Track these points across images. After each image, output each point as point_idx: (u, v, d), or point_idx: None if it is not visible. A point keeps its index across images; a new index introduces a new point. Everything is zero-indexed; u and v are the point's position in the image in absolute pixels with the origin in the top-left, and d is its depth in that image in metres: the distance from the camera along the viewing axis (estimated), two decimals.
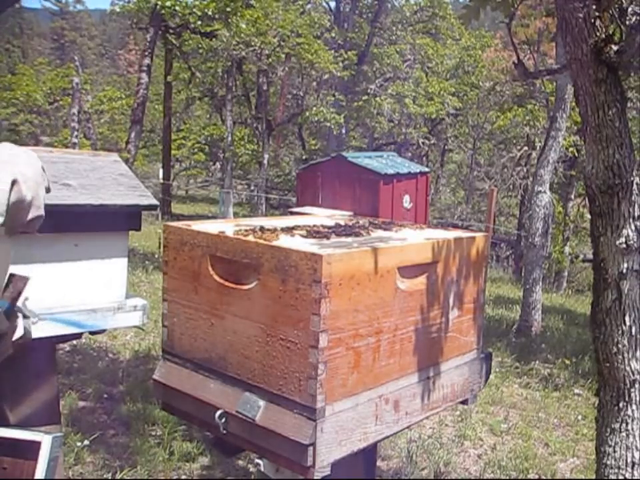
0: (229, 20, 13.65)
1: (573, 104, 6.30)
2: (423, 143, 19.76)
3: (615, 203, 1.88)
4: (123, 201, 1.54)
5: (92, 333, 1.55)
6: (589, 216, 2.41)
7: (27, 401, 1.48)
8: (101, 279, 1.54)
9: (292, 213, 3.26)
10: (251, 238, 1.52)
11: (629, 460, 1.93)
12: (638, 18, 1.81)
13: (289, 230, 1.71)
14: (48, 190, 1.22)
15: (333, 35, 18.63)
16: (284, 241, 1.55)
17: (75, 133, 13.89)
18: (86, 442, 3.42)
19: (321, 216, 2.28)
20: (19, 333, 1.21)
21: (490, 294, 9.38)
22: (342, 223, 1.99)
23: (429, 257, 1.62)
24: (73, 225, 1.48)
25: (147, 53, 14.83)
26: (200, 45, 14.82)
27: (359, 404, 1.46)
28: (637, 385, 1.92)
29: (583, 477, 3.74)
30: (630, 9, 1.82)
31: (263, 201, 16.99)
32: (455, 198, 22.46)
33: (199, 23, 14.01)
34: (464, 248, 1.74)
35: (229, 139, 17.46)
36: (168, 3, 13.74)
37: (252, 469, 3.35)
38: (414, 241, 1.69)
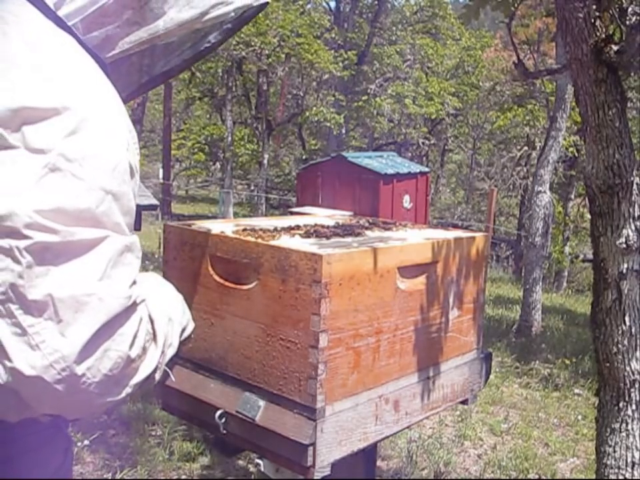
0: None
1: (573, 104, 6.30)
2: (422, 143, 19.75)
3: (615, 202, 1.88)
4: None
5: None
6: (589, 216, 2.40)
7: None
8: None
9: (292, 213, 3.26)
10: (250, 238, 1.52)
11: (629, 460, 1.93)
12: (638, 18, 1.81)
13: (288, 230, 1.71)
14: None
15: (333, 35, 18.63)
16: (284, 241, 1.55)
17: None
18: (86, 442, 3.41)
19: (320, 216, 2.28)
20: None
21: (490, 294, 9.37)
22: (342, 222, 1.99)
23: (428, 257, 1.62)
24: None
25: None
26: None
27: (358, 404, 1.46)
28: (637, 385, 1.92)
29: (583, 477, 3.74)
30: (630, 9, 1.82)
31: (263, 201, 17.00)
32: (455, 198, 22.46)
33: None
34: (464, 248, 1.74)
35: (229, 139, 17.47)
36: None
37: (252, 469, 3.35)
38: (414, 240, 1.69)
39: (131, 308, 0.89)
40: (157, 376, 0.99)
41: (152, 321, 0.97)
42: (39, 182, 0.82)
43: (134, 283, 0.90)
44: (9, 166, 0.82)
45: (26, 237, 0.81)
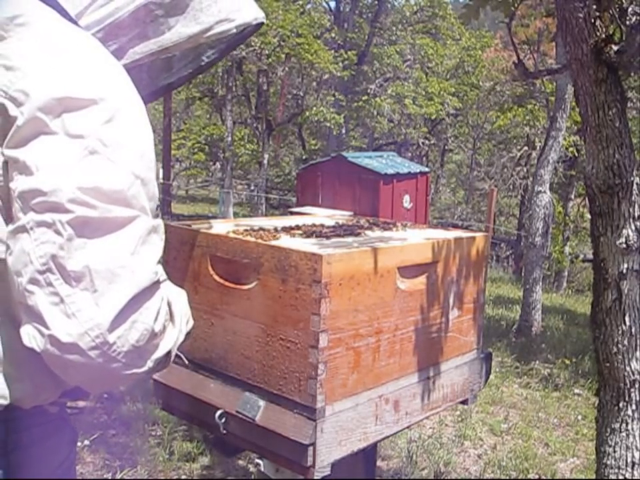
0: None
1: (573, 104, 6.30)
2: (422, 143, 19.75)
3: (615, 202, 1.88)
4: None
5: None
6: (589, 216, 2.41)
7: None
8: None
9: (292, 213, 3.26)
10: (250, 238, 1.52)
11: (629, 460, 1.93)
12: (638, 18, 1.81)
13: (289, 230, 1.72)
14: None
15: (333, 35, 18.62)
16: (284, 241, 1.55)
17: None
18: (86, 442, 3.41)
19: (320, 216, 2.29)
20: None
21: (490, 294, 9.37)
22: (342, 222, 1.99)
23: (428, 257, 1.62)
24: None
25: None
26: None
27: (359, 404, 1.46)
28: (637, 385, 1.92)
29: (583, 477, 3.74)
30: (630, 9, 1.82)
31: (263, 201, 17.00)
32: (455, 198, 22.46)
33: None
34: (464, 248, 1.74)
35: (229, 139, 17.46)
36: None
37: (252, 469, 3.35)
38: (414, 240, 1.69)
39: (156, 285, 0.96)
40: (172, 357, 1.04)
41: (169, 303, 1.03)
42: (80, 163, 0.89)
43: (158, 262, 0.97)
44: (50, 148, 0.89)
45: (68, 211, 0.87)
